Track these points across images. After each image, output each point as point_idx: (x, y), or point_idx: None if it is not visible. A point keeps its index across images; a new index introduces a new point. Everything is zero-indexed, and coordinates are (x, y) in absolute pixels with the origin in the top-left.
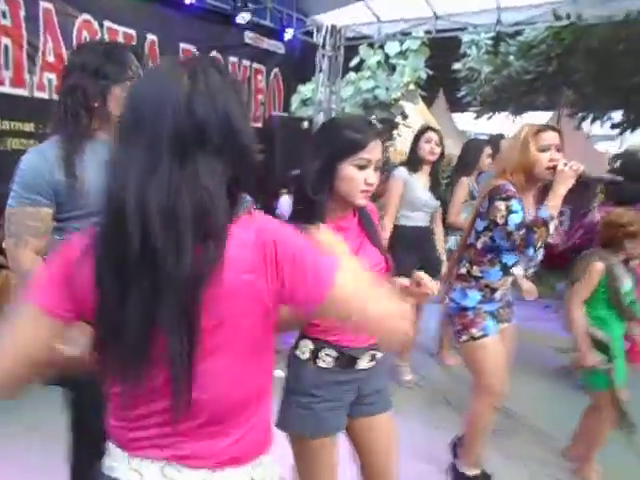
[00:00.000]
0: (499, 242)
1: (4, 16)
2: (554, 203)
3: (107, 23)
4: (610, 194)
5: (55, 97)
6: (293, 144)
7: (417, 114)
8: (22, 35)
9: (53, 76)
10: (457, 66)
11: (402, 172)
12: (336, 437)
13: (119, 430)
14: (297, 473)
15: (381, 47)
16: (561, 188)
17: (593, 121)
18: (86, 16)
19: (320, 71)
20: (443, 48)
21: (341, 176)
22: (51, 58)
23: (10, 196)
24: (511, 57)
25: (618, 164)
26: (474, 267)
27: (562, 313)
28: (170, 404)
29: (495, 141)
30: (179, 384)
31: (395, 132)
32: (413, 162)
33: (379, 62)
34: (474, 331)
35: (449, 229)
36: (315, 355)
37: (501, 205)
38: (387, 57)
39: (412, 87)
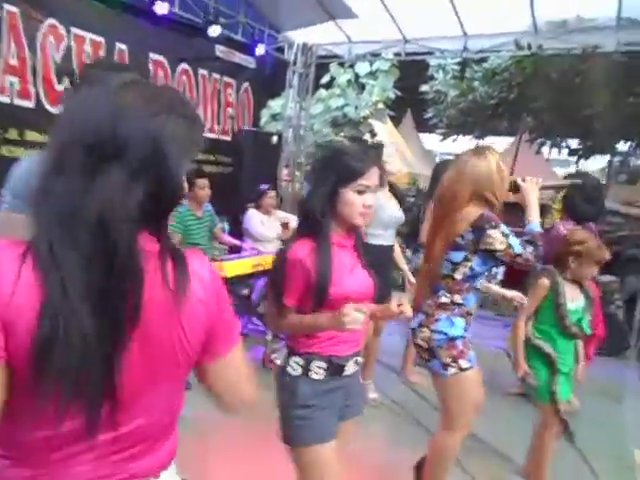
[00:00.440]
0: (478, 270)
1: None
2: (535, 216)
3: (74, 30)
4: (565, 211)
5: (16, 102)
6: (262, 158)
7: (385, 133)
8: None
9: (15, 79)
10: (425, 88)
11: None
12: (334, 442)
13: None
14: None
15: (351, 66)
16: (533, 199)
17: (551, 147)
18: (52, 21)
19: (290, 87)
20: (412, 70)
21: (343, 200)
22: (14, 61)
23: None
24: (476, 82)
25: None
26: (455, 295)
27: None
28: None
29: None
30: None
31: None
32: None
33: (349, 81)
34: (462, 362)
35: (420, 247)
36: (307, 369)
37: (495, 233)
38: (357, 76)
39: (381, 106)
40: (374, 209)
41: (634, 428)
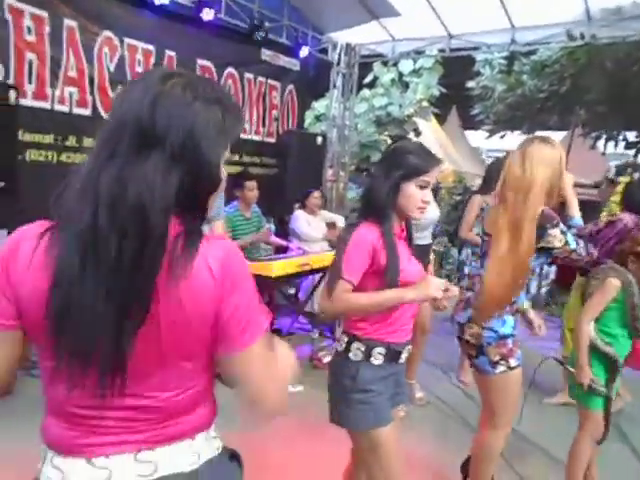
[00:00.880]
0: (531, 265)
1: (29, 32)
2: (577, 211)
3: (127, 40)
4: (624, 203)
5: (75, 110)
6: (307, 159)
7: (430, 131)
8: (45, 51)
9: (74, 90)
10: (471, 84)
11: None
12: (391, 426)
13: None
14: (367, 468)
15: (395, 65)
16: (573, 197)
17: (607, 141)
18: (108, 33)
19: (334, 87)
20: (457, 66)
21: (405, 193)
22: (73, 73)
23: None
24: (525, 76)
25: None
26: None
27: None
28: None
29: None
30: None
31: None
32: None
33: (393, 79)
34: (512, 361)
35: (464, 243)
36: (368, 354)
37: (556, 232)
38: (401, 75)
39: (425, 104)
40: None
41: None
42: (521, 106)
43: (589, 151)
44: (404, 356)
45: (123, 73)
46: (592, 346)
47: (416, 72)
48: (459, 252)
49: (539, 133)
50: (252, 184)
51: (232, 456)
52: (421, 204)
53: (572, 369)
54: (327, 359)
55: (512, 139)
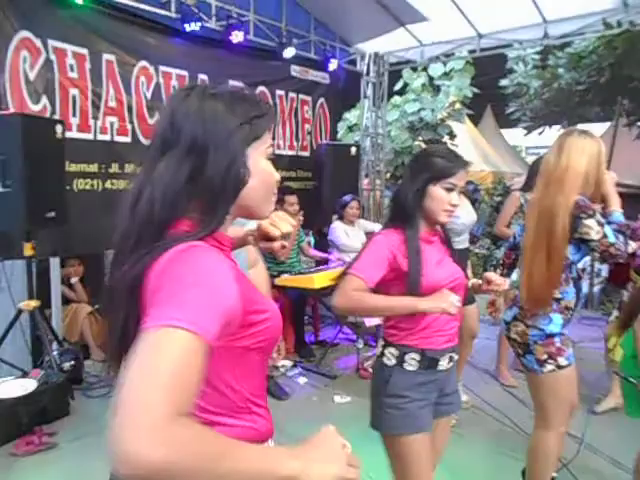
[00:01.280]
0: (572, 258)
1: (72, 69)
2: (617, 206)
3: (162, 67)
4: None
5: (116, 138)
6: (342, 170)
7: (464, 133)
8: (87, 85)
9: (115, 119)
10: (504, 82)
11: None
12: (429, 434)
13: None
14: (395, 473)
15: (424, 69)
16: (613, 190)
17: None
18: (143, 63)
19: (365, 97)
20: (489, 65)
21: (432, 196)
22: (113, 104)
23: None
24: (560, 69)
25: None
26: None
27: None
28: None
29: None
30: None
31: None
32: None
33: (423, 84)
34: (561, 360)
35: (495, 242)
36: (401, 360)
37: (591, 222)
38: (431, 79)
39: (458, 106)
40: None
41: None
42: (559, 100)
43: (635, 141)
44: (444, 363)
45: (159, 99)
46: None
47: (447, 75)
48: (490, 254)
49: (580, 126)
50: (292, 198)
51: None
52: (448, 207)
53: (634, 380)
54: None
55: (551, 135)
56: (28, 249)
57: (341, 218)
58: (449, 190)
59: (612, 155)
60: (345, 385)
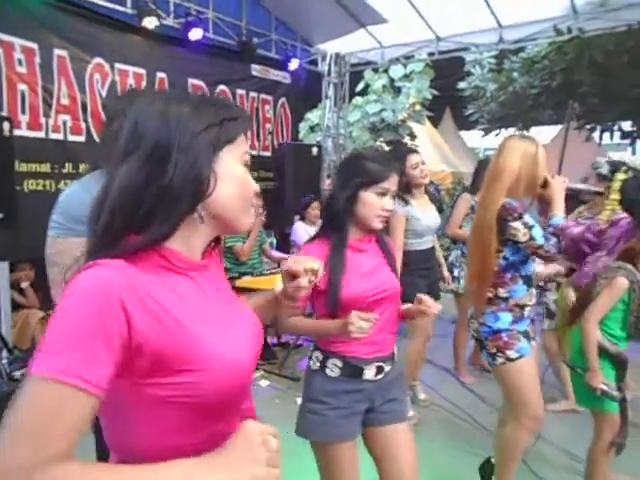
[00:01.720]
0: (514, 259)
1: (20, 64)
2: (560, 211)
3: (118, 65)
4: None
5: (70, 138)
6: (303, 170)
7: (425, 134)
8: (37, 81)
9: (68, 117)
10: (462, 85)
11: (400, 207)
12: (352, 444)
13: None
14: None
15: (385, 71)
16: (559, 196)
17: (602, 132)
18: (98, 60)
19: (326, 98)
20: (447, 68)
21: (363, 202)
22: (65, 101)
23: (51, 227)
24: (515, 73)
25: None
26: (499, 289)
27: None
28: None
29: None
30: None
31: None
32: (406, 191)
33: (384, 86)
34: (510, 353)
35: (454, 242)
36: (324, 365)
37: (517, 224)
38: (392, 80)
39: (418, 108)
40: (404, 227)
41: None
42: (514, 103)
43: (586, 144)
44: (370, 373)
45: None
46: (599, 348)
47: (407, 77)
48: (449, 254)
49: (534, 129)
50: (257, 201)
51: None
52: (381, 212)
53: (581, 371)
54: None
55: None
56: None
57: (303, 219)
58: (381, 195)
59: (563, 157)
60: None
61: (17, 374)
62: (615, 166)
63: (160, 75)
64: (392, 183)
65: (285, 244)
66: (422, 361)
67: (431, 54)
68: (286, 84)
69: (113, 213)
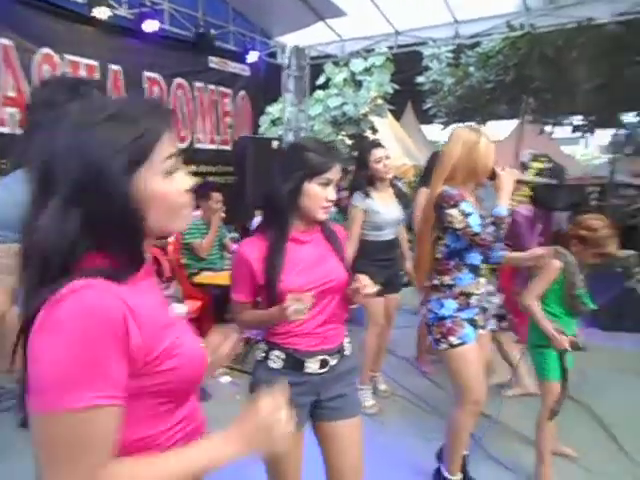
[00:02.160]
0: (455, 246)
1: None
2: (504, 201)
3: (68, 56)
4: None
5: (18, 131)
6: (264, 164)
7: (386, 127)
8: None
9: (15, 110)
10: (421, 79)
11: (360, 200)
12: (295, 435)
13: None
14: (267, 473)
15: (346, 64)
16: (507, 188)
17: (554, 126)
18: (46, 50)
19: (287, 91)
20: (407, 62)
21: (307, 193)
22: (12, 93)
23: None
24: (471, 68)
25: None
26: (444, 277)
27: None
28: None
29: None
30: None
31: None
32: (369, 184)
33: (345, 79)
34: (452, 339)
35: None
36: (266, 356)
37: (453, 211)
38: (353, 74)
39: (379, 101)
40: (361, 220)
41: None
42: (470, 98)
43: (541, 137)
44: (313, 366)
45: None
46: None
47: (368, 70)
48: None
49: (491, 123)
50: (218, 195)
51: None
52: (325, 203)
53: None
54: None
55: None
56: None
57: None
58: (325, 185)
59: (519, 150)
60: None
61: None
62: (535, 156)
63: (114, 67)
64: (335, 173)
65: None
66: (382, 352)
67: (390, 48)
68: (245, 77)
69: (44, 256)
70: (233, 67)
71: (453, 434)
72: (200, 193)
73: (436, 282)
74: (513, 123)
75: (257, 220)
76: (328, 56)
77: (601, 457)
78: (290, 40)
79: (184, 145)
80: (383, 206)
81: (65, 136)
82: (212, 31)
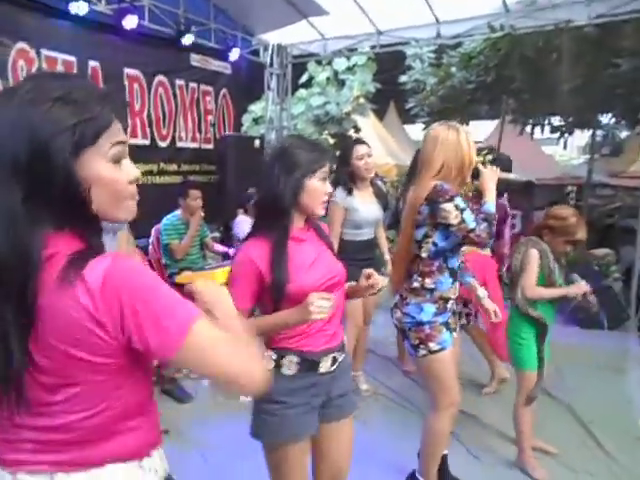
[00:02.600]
0: (443, 245)
1: None
2: (491, 198)
3: (45, 51)
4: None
5: None
6: (247, 163)
7: (369, 127)
8: None
9: None
10: (403, 79)
11: (342, 196)
12: (306, 441)
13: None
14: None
15: (329, 63)
16: (491, 186)
17: (534, 127)
18: (22, 45)
19: (269, 89)
20: (390, 62)
21: (309, 190)
22: None
23: None
24: (453, 68)
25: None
26: (426, 279)
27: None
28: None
29: None
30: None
31: None
32: (351, 181)
33: (328, 78)
34: (432, 345)
35: None
36: (279, 364)
37: (449, 207)
38: (336, 73)
39: (362, 101)
40: (342, 218)
41: (638, 399)
42: (452, 98)
43: (521, 138)
44: (326, 365)
45: None
46: (523, 312)
47: (350, 69)
48: None
49: (472, 123)
50: (196, 193)
51: None
52: (325, 198)
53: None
54: None
55: None
56: None
57: (246, 212)
58: (324, 180)
59: (499, 150)
60: None
61: None
62: (480, 150)
63: (92, 64)
64: (328, 167)
65: (229, 238)
66: (362, 351)
67: (373, 47)
68: (227, 75)
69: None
70: (215, 65)
71: (432, 439)
72: (178, 191)
73: (416, 284)
74: (494, 124)
75: (239, 219)
76: (311, 55)
77: (580, 454)
78: (272, 38)
79: (165, 144)
80: (363, 204)
81: (12, 111)
82: (193, 28)
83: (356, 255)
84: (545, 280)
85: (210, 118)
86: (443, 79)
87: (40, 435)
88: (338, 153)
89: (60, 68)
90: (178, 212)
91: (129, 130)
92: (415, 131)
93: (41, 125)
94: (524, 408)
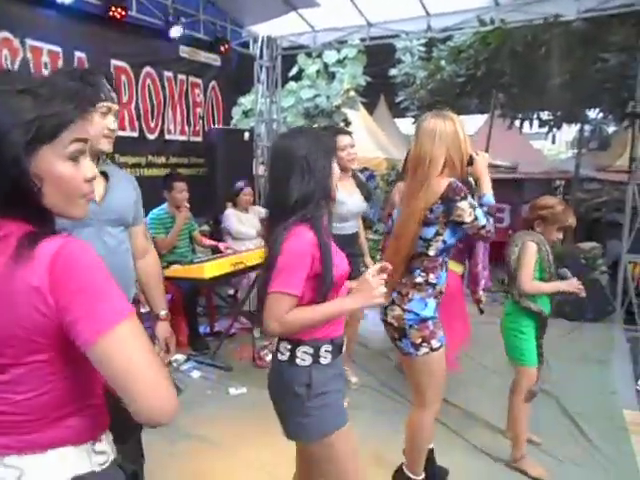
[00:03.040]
0: (450, 242)
1: None
2: (488, 188)
3: (30, 41)
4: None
5: None
6: (236, 156)
7: (359, 120)
8: None
9: None
10: (393, 72)
11: None
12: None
13: None
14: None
15: (319, 56)
16: (485, 174)
17: (523, 121)
18: (5, 34)
19: (259, 82)
20: (380, 55)
21: (334, 173)
22: None
23: None
24: (443, 62)
25: None
26: (430, 275)
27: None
28: None
29: None
30: None
31: None
32: None
33: (318, 71)
34: (434, 342)
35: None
36: (317, 355)
37: (464, 204)
38: (326, 65)
39: (352, 94)
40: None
41: (623, 389)
42: (442, 91)
43: (510, 132)
44: (342, 350)
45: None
46: (523, 306)
47: (341, 62)
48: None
49: (462, 117)
50: (181, 185)
51: (123, 472)
52: (337, 179)
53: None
54: (269, 357)
55: None
56: None
57: (235, 205)
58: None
59: (489, 144)
60: (241, 376)
61: None
62: None
63: (79, 54)
64: None
65: (218, 231)
66: (352, 344)
67: (362, 40)
68: (216, 67)
69: None
70: (204, 57)
71: (420, 434)
72: (163, 184)
73: (420, 280)
74: (484, 118)
75: (228, 212)
76: (300, 47)
77: (565, 444)
78: (262, 30)
79: (154, 136)
80: (348, 196)
81: None
82: (182, 19)
83: (343, 249)
84: (545, 272)
85: (199, 110)
86: (433, 73)
87: None
88: None
89: (45, 59)
90: (165, 205)
91: (117, 122)
92: (405, 125)
93: (0, 115)
94: (523, 404)
